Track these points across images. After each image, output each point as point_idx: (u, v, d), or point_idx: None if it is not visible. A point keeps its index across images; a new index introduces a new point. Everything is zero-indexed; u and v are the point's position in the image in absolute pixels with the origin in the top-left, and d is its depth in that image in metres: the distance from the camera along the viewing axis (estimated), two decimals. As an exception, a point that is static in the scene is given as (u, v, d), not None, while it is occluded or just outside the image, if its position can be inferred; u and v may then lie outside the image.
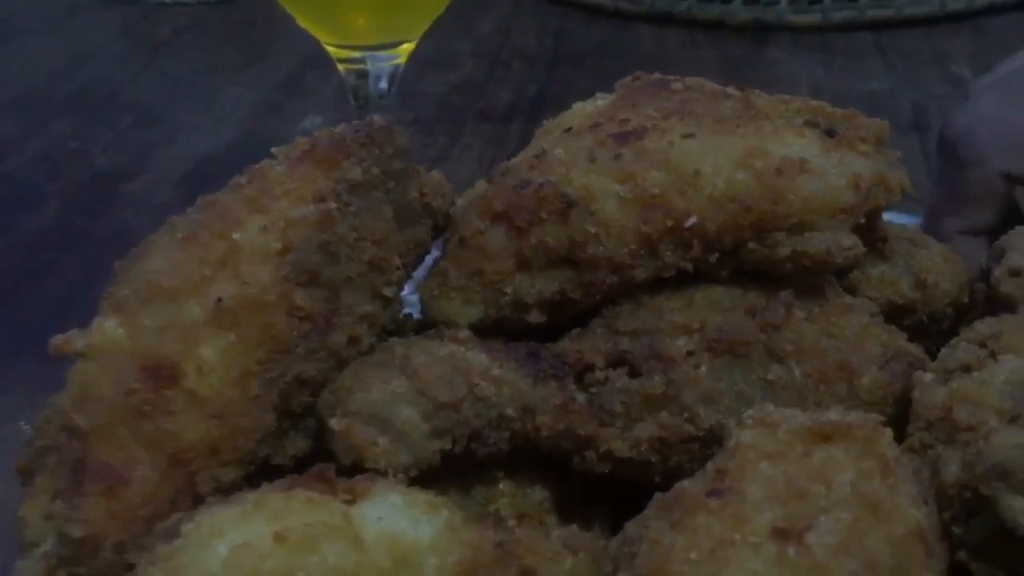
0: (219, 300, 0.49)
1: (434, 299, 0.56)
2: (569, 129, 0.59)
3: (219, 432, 0.49)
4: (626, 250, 0.54)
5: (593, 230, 0.54)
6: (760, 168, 0.54)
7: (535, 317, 0.55)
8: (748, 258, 0.55)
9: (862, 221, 0.56)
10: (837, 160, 0.55)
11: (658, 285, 0.56)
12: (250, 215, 0.51)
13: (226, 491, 0.48)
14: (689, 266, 0.55)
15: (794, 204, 0.54)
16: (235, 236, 0.50)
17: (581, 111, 0.61)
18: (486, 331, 0.56)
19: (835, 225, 0.54)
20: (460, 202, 0.59)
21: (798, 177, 0.54)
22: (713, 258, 0.55)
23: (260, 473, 0.50)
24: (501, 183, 0.56)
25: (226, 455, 0.49)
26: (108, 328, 0.50)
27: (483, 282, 0.55)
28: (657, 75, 0.62)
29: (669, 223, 0.54)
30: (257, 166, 0.53)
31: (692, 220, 0.54)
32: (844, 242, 0.54)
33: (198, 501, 0.48)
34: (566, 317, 0.56)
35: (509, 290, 0.55)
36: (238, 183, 0.53)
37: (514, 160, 0.59)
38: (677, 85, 0.60)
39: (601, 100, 0.61)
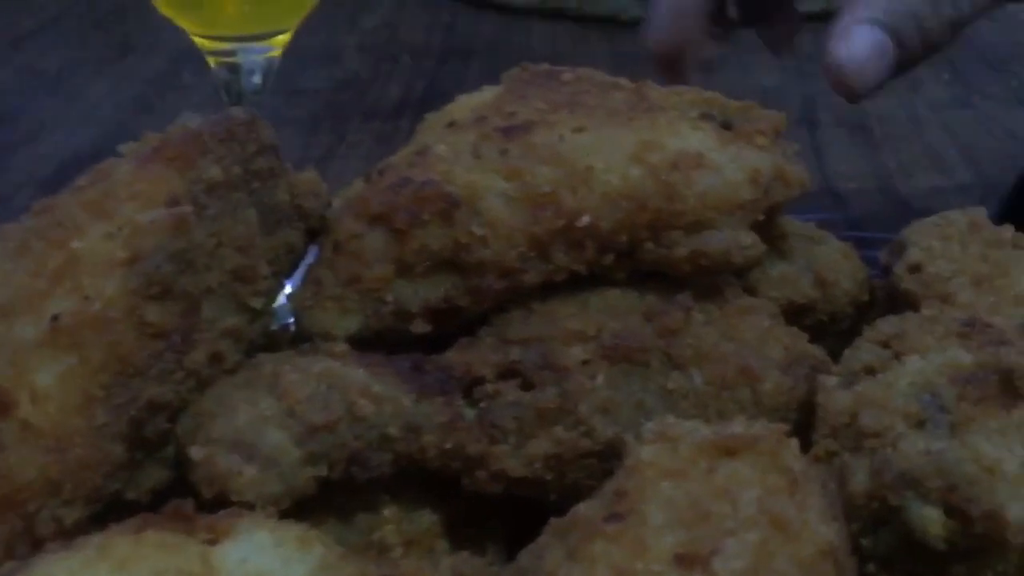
0: (55, 317, 0.45)
1: (307, 309, 0.52)
2: (452, 123, 0.56)
3: (59, 467, 0.44)
4: (515, 253, 0.51)
5: (479, 232, 0.51)
6: (655, 163, 0.52)
7: (419, 327, 0.52)
8: (644, 259, 0.53)
9: (761, 218, 0.54)
10: (734, 154, 0.53)
11: (550, 290, 0.54)
12: (92, 221, 0.46)
13: (69, 534, 0.44)
14: (583, 268, 0.53)
15: (690, 201, 0.52)
16: (74, 245, 0.46)
17: (466, 104, 0.58)
18: (366, 344, 0.52)
19: (734, 222, 0.52)
20: (336, 203, 0.55)
21: (694, 172, 0.52)
22: (608, 259, 0.53)
23: (110, 511, 0.46)
24: (379, 182, 0.53)
25: (68, 493, 0.45)
26: (-72, 353, 0.44)
27: (361, 290, 0.51)
28: (545, 65, 0.60)
29: (560, 223, 0.51)
30: (100, 165, 0.49)
31: (585, 220, 0.51)
32: (743, 240, 0.53)
33: (36, 547, 0.43)
34: (452, 326, 0.53)
35: (390, 298, 0.51)
36: (78, 185, 0.48)
37: (393, 158, 0.55)
38: (567, 76, 0.58)
39: (488, 92, 0.58)
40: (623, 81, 0.59)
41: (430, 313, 0.52)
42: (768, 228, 0.56)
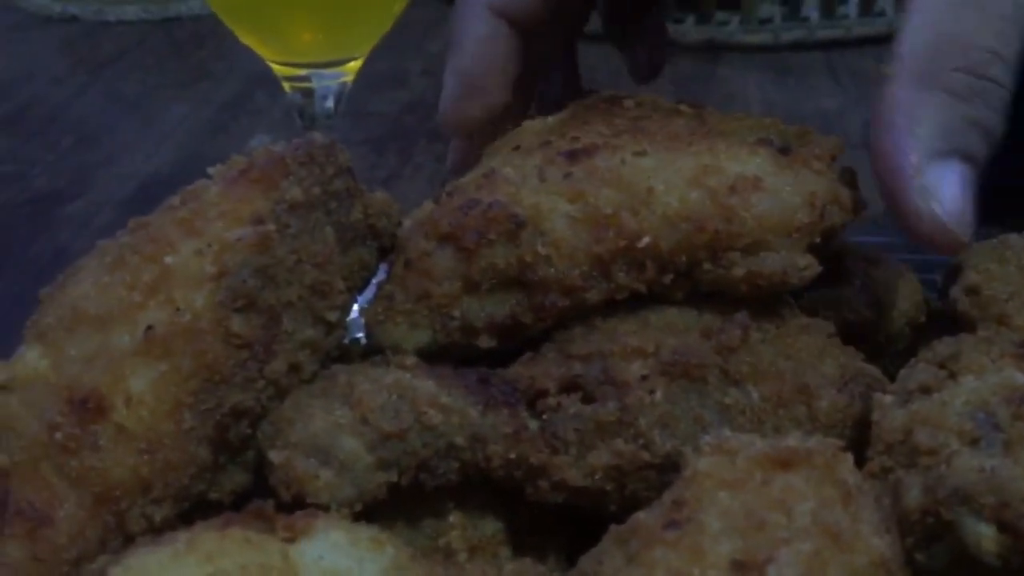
0: (150, 328, 0.47)
1: (379, 324, 0.54)
2: (518, 147, 0.57)
3: (150, 468, 0.46)
4: (577, 272, 0.53)
5: (543, 251, 0.52)
6: (714, 186, 0.53)
7: (485, 342, 0.54)
8: (703, 279, 0.54)
9: (818, 240, 0.55)
10: (791, 178, 0.54)
11: (611, 307, 0.55)
12: (183, 238, 0.49)
13: (158, 530, 0.46)
14: (643, 288, 0.54)
15: (748, 223, 0.53)
16: (167, 260, 0.48)
17: (531, 128, 0.60)
18: (434, 357, 0.54)
19: (790, 244, 0.53)
20: (406, 223, 0.57)
21: (752, 195, 0.53)
22: (667, 279, 0.54)
23: (195, 510, 0.48)
24: (447, 203, 0.55)
25: (158, 492, 0.47)
26: (31, 359, 0.47)
27: (430, 306, 0.53)
28: (609, 92, 0.61)
29: (622, 243, 0.52)
30: (191, 187, 0.51)
31: (645, 240, 0.52)
32: (799, 262, 0.53)
33: (128, 541, 0.46)
34: (517, 341, 0.55)
35: (457, 314, 0.53)
36: (171, 205, 0.51)
37: (462, 180, 0.57)
38: (629, 102, 0.59)
39: (552, 118, 0.60)
40: (684, 107, 0.60)
41: (495, 329, 0.54)
42: (825, 250, 0.56)
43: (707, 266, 0.54)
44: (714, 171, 0.53)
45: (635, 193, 0.53)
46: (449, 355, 0.54)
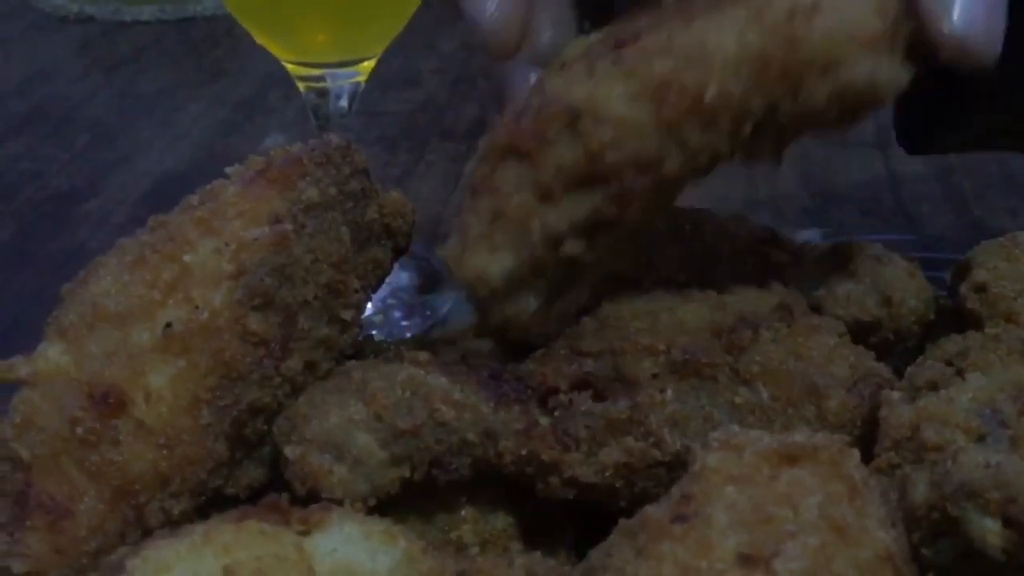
0: (168, 325, 0.48)
1: (458, 259, 0.51)
2: (563, 64, 0.53)
3: (168, 462, 0.47)
4: (649, 144, 0.48)
5: (607, 136, 0.48)
6: (769, 22, 0.48)
7: (572, 247, 0.50)
8: (787, 122, 0.50)
9: (901, 50, 0.49)
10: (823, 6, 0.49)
11: (622, 303, 0.55)
12: (202, 237, 0.50)
13: (176, 523, 0.47)
14: (724, 147, 0.49)
15: (816, 43, 0.48)
16: (186, 258, 0.49)
17: (573, 46, 0.55)
18: (522, 281, 0.50)
19: (870, 57, 0.48)
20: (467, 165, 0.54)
21: (814, 17, 0.48)
22: (747, 130, 0.49)
23: (212, 504, 0.49)
24: (498, 121, 0.52)
25: (176, 486, 0.48)
26: (52, 354, 0.48)
27: (506, 224, 0.50)
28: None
29: (687, 102, 0.48)
30: (209, 186, 0.52)
31: (712, 91, 0.48)
32: (886, 70, 0.48)
33: (146, 534, 0.47)
34: (608, 245, 0.51)
35: (536, 225, 0.49)
36: (190, 204, 0.51)
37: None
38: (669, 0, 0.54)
39: (593, 34, 0.55)
40: None
41: (580, 231, 0.50)
42: (913, 57, 0.50)
43: (786, 104, 0.49)
44: (766, 7, 0.49)
45: (688, 54, 0.49)
46: (538, 277, 0.51)
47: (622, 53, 0.50)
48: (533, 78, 0.56)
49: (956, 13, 0.48)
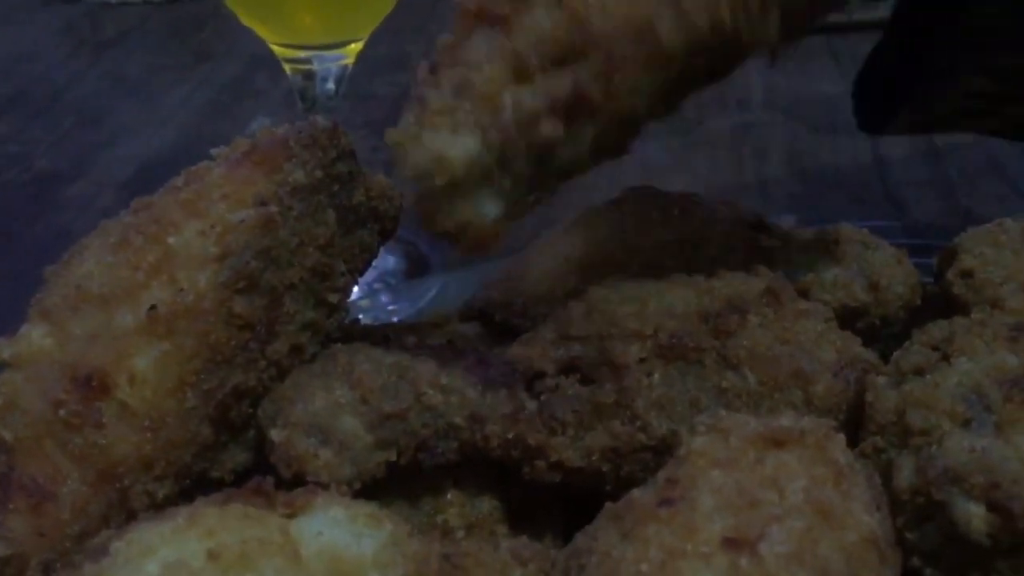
0: (153, 307, 0.47)
1: (413, 138, 0.43)
2: None
3: (152, 445, 0.47)
4: (642, 4, 0.43)
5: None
6: None
7: (549, 128, 0.43)
8: None
9: None
10: None
11: (609, 288, 0.55)
12: (187, 219, 0.49)
13: (160, 507, 0.47)
14: (726, 12, 0.44)
15: None
16: (170, 240, 0.49)
17: None
18: (479, 174, 0.42)
19: None
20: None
21: None
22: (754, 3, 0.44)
23: (197, 488, 0.49)
24: None
25: (160, 469, 0.48)
26: (35, 336, 0.48)
27: (473, 97, 0.42)
28: None
29: None
30: (194, 168, 0.52)
31: None
32: None
33: (130, 517, 0.46)
34: (585, 127, 0.44)
35: (508, 101, 0.42)
36: (174, 185, 0.51)
37: None
38: None
39: None
40: None
41: (559, 108, 0.43)
42: None
43: None
44: None
45: None
46: (503, 170, 0.43)
47: None
48: None
49: None
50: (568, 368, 0.53)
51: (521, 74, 0.42)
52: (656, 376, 0.52)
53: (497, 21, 0.42)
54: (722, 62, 0.46)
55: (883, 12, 1.49)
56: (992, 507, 0.42)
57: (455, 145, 0.42)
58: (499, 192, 0.44)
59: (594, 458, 0.51)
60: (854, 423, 0.51)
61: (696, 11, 0.44)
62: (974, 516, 0.42)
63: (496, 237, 0.45)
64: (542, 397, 0.52)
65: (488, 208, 0.44)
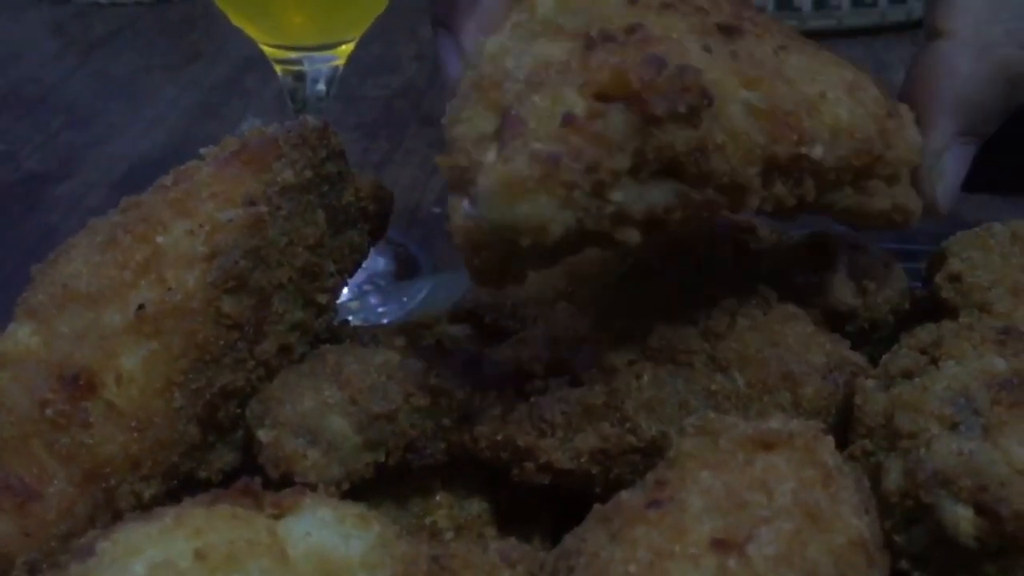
0: (141, 307, 0.47)
1: (528, 193, 0.41)
2: (636, 1, 0.47)
3: (139, 445, 0.47)
4: (751, 171, 0.45)
5: (720, 140, 0.43)
6: (871, 107, 0.48)
7: (628, 235, 0.43)
8: (836, 204, 0.49)
9: None
10: (908, 113, 0.51)
11: (599, 289, 0.55)
12: (175, 218, 0.49)
13: (147, 507, 0.47)
14: (793, 202, 0.47)
15: (901, 152, 0.49)
16: (159, 240, 0.49)
17: None
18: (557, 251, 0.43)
19: (907, 181, 0.50)
20: (509, 61, 0.44)
21: (904, 125, 0.49)
22: (811, 196, 0.47)
23: (184, 488, 0.49)
24: (610, 52, 0.43)
25: (147, 469, 0.47)
26: (22, 335, 0.48)
27: (593, 183, 0.41)
28: None
29: (801, 149, 0.45)
30: (183, 167, 0.52)
31: (819, 149, 0.46)
32: (918, 202, 0.50)
33: (117, 518, 0.46)
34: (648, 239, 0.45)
35: (617, 196, 0.42)
36: (163, 184, 0.51)
37: (587, 24, 0.45)
38: None
39: None
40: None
41: (645, 222, 0.44)
42: None
43: (849, 190, 0.49)
44: (863, 89, 0.49)
45: (807, 95, 0.46)
46: (576, 247, 0.44)
47: (737, 49, 0.46)
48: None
49: (938, 190, 0.52)
50: (557, 369, 0.53)
51: (636, 169, 0.43)
52: (645, 378, 0.52)
53: (647, 117, 0.41)
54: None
55: (873, 18, 1.50)
56: (980, 510, 0.42)
57: (560, 218, 0.41)
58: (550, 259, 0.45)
59: (583, 460, 0.51)
60: (843, 426, 0.51)
61: (773, 196, 0.46)
62: (962, 519, 0.42)
63: (520, 282, 0.46)
64: (531, 398, 0.52)
65: (533, 265, 0.45)
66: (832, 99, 0.47)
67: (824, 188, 0.48)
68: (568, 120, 0.41)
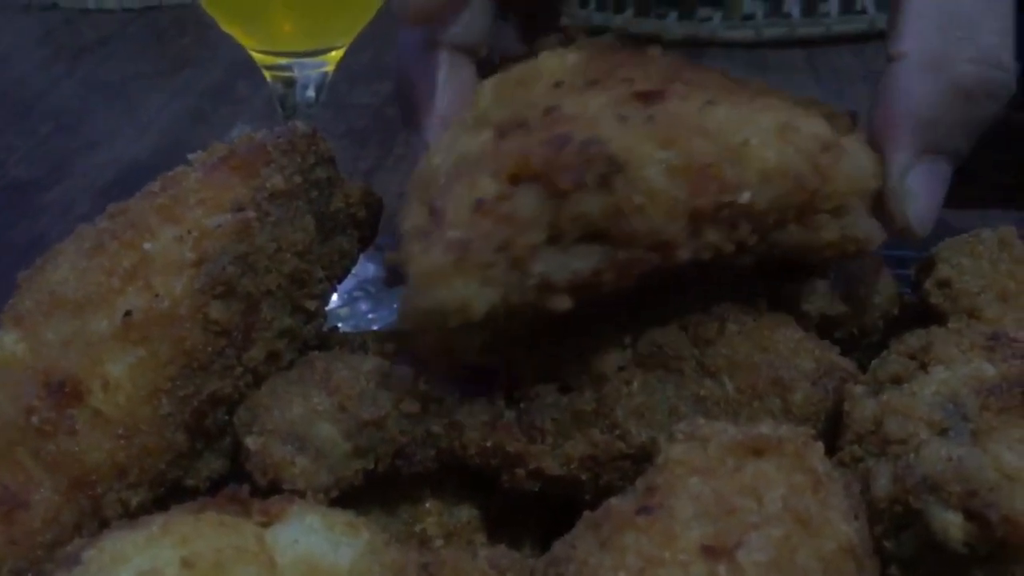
0: (128, 313, 0.47)
1: (445, 278, 0.44)
2: (559, 84, 0.50)
3: (126, 453, 0.47)
4: (674, 226, 0.46)
5: (638, 200, 0.45)
6: (802, 144, 0.49)
7: (560, 303, 0.46)
8: (784, 242, 0.50)
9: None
10: (860, 143, 0.52)
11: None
12: (163, 224, 0.49)
13: (134, 515, 0.46)
14: (731, 247, 0.49)
15: (840, 184, 0.49)
16: (146, 246, 0.48)
17: (550, 65, 0.53)
18: (488, 324, 0.45)
19: (862, 209, 0.51)
20: (437, 158, 0.48)
21: (841, 155, 0.50)
22: (753, 240, 0.49)
23: (171, 496, 0.48)
24: (519, 137, 0.46)
25: (134, 477, 0.47)
26: (8, 342, 0.47)
27: (509, 258, 0.44)
28: (613, 34, 0.56)
29: (724, 198, 0.47)
30: (171, 173, 0.51)
31: (746, 195, 0.47)
32: (876, 228, 0.51)
33: (103, 526, 0.46)
34: (585, 304, 0.47)
35: (538, 268, 0.45)
36: (151, 191, 0.51)
37: (512, 112, 0.49)
38: (653, 50, 0.54)
39: (570, 55, 0.53)
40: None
41: (575, 287, 0.46)
42: None
43: (793, 228, 0.50)
44: (794, 129, 0.50)
45: (728, 144, 0.48)
46: (509, 321, 0.46)
47: (654, 113, 0.48)
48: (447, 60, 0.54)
49: (907, 209, 0.52)
50: (547, 376, 0.53)
51: (555, 240, 0.45)
52: (635, 384, 0.52)
53: (552, 192, 0.44)
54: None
55: (861, 25, 1.51)
56: (969, 515, 0.42)
57: (482, 298, 0.44)
58: (493, 329, 0.47)
59: (573, 466, 0.51)
60: (832, 432, 0.51)
61: (709, 245, 0.48)
62: (951, 524, 0.42)
63: (472, 358, 0.48)
64: (521, 405, 0.52)
65: (475, 341, 0.47)
66: (757, 144, 0.48)
67: (766, 230, 0.49)
68: (478, 205, 0.44)
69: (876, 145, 0.52)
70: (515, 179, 0.45)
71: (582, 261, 0.46)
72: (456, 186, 0.45)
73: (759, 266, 0.52)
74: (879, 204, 0.52)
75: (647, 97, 0.48)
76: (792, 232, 0.50)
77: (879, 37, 1.49)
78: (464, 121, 0.51)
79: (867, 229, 0.51)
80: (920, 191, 0.52)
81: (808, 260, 0.52)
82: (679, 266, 0.48)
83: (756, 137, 0.48)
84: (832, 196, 0.50)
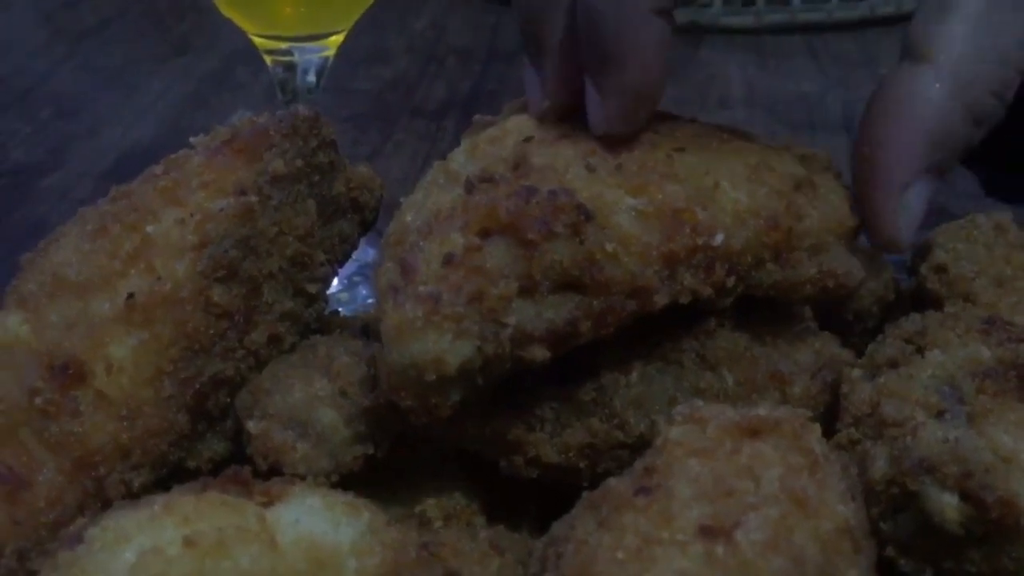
0: (131, 296, 0.47)
1: (417, 333, 0.44)
2: (530, 139, 0.51)
3: (129, 434, 0.47)
4: (648, 271, 0.47)
5: (609, 248, 0.46)
6: (776, 184, 0.50)
7: (537, 353, 0.46)
8: (763, 281, 0.51)
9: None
10: (833, 181, 0.53)
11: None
12: (165, 207, 0.49)
13: (136, 496, 0.47)
14: (709, 290, 0.49)
15: (815, 222, 0.50)
16: (149, 229, 0.49)
17: (521, 123, 0.53)
18: (467, 378, 0.45)
19: (841, 247, 0.52)
20: (409, 216, 0.49)
21: (817, 194, 0.51)
22: (731, 281, 0.49)
23: (173, 477, 0.49)
24: (487, 191, 0.47)
25: (136, 458, 0.47)
26: (11, 324, 0.47)
27: (482, 310, 0.44)
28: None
29: (697, 240, 0.47)
30: (174, 156, 0.51)
31: (719, 237, 0.48)
32: (856, 264, 0.52)
33: (106, 507, 0.46)
34: (561, 353, 0.48)
35: (511, 320, 0.45)
36: (153, 173, 0.51)
37: (482, 169, 0.50)
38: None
39: (526, 119, 0.53)
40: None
41: (550, 338, 0.46)
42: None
43: (771, 267, 0.50)
44: (767, 168, 0.50)
45: (699, 187, 0.48)
46: (486, 374, 0.46)
47: (623, 162, 0.48)
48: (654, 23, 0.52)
49: (902, 223, 0.53)
50: (547, 365, 0.53)
51: (528, 291, 0.45)
52: (634, 375, 0.52)
53: (523, 242, 0.45)
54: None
55: (862, 11, 1.51)
56: (965, 497, 0.42)
57: (455, 351, 0.44)
58: (470, 384, 0.46)
59: (571, 454, 0.51)
60: (830, 414, 0.51)
61: (686, 289, 0.48)
62: (947, 506, 0.42)
63: (448, 414, 0.47)
64: (521, 393, 0.52)
65: (454, 397, 0.46)
66: (727, 186, 0.49)
67: (743, 271, 0.50)
68: (448, 259, 0.45)
69: (873, 153, 0.52)
70: (484, 232, 0.45)
71: (557, 311, 0.46)
72: (426, 242, 0.46)
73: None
74: (863, 216, 0.53)
75: (614, 146, 0.49)
76: (770, 271, 0.51)
77: (880, 23, 1.50)
78: (436, 179, 0.51)
79: (846, 265, 0.52)
80: (915, 205, 0.53)
81: (789, 299, 0.52)
82: (652, 314, 0.48)
83: (727, 179, 0.49)
84: (808, 234, 0.51)
